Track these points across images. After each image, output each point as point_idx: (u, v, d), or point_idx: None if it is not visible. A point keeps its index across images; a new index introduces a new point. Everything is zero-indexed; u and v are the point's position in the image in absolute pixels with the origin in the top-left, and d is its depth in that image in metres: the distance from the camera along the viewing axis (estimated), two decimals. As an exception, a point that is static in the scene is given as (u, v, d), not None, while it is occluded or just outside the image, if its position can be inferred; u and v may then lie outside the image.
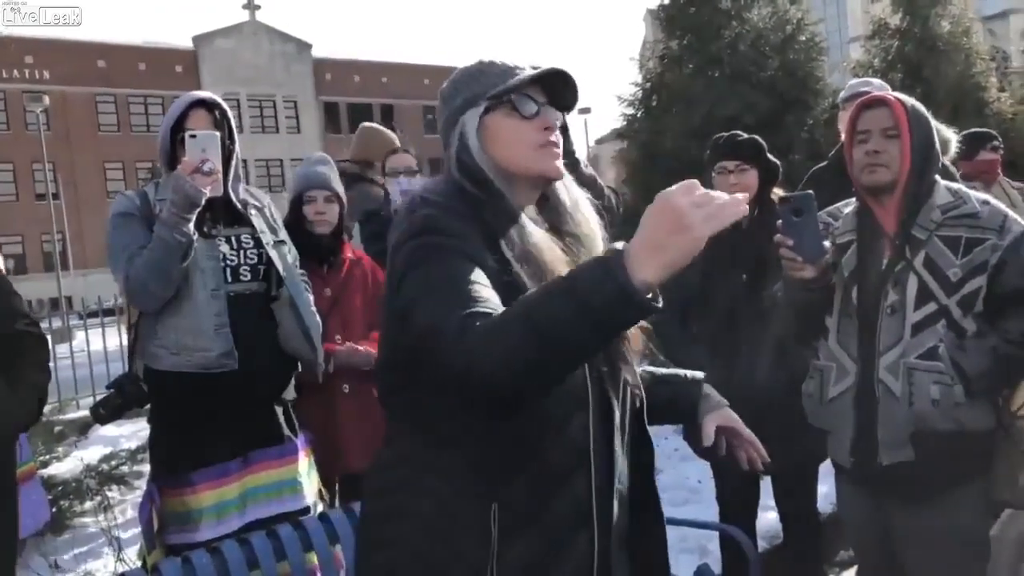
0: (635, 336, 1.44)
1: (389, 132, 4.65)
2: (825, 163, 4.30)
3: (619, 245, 1.14)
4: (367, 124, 4.76)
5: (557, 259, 1.37)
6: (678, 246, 1.09)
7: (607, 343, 1.22)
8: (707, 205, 1.09)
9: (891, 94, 2.18)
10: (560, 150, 1.45)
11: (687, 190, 1.10)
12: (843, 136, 2.24)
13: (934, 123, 2.22)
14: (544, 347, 1.12)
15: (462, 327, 1.17)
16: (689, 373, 1.69)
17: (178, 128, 2.49)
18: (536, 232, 1.40)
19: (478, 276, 1.25)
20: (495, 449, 1.32)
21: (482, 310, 1.19)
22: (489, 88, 1.43)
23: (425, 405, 1.35)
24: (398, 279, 1.32)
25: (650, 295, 1.11)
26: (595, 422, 1.37)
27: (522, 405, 1.23)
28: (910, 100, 2.17)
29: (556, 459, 1.34)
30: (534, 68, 1.45)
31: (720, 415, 1.62)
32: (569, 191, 1.51)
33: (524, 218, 1.41)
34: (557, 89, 1.46)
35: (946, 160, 3.70)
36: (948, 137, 4.21)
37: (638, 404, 1.50)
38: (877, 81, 4.18)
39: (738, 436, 1.63)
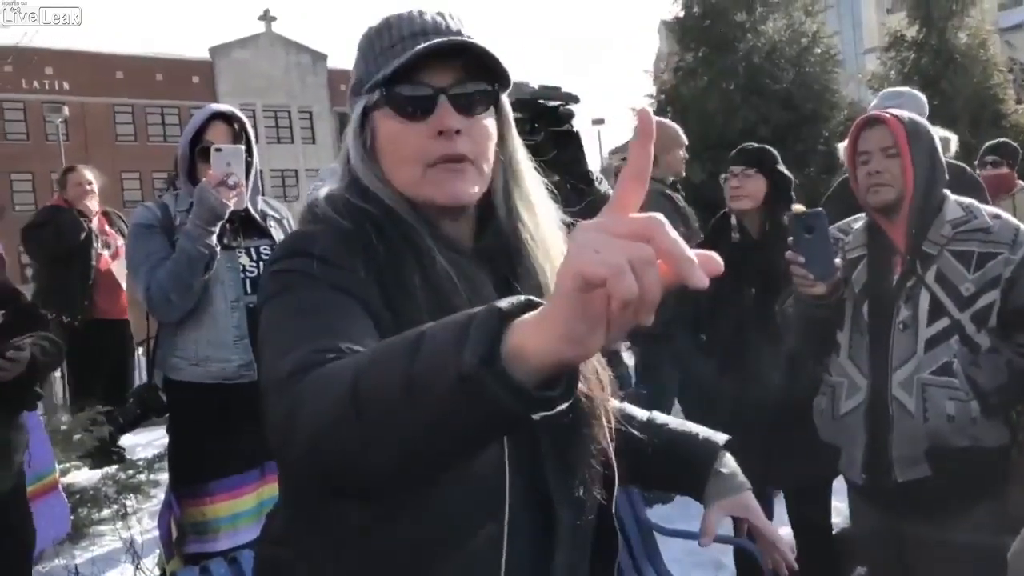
0: (608, 415, 1.06)
1: None
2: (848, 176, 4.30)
3: (519, 297, 0.71)
4: None
5: (466, 307, 0.81)
6: (556, 289, 0.64)
7: (466, 445, 0.76)
8: (609, 234, 0.63)
9: (889, 112, 2.18)
10: (474, 158, 1.02)
11: (604, 211, 0.67)
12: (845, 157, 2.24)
13: (937, 131, 2.22)
14: (365, 422, 0.74)
15: (295, 367, 0.83)
16: (704, 433, 1.29)
17: (197, 140, 2.53)
18: (444, 269, 0.99)
19: (348, 311, 0.91)
20: (368, 559, 0.96)
21: (335, 344, 0.84)
22: (374, 71, 1.03)
23: (302, 488, 1.00)
24: (259, 310, 0.99)
25: (540, 380, 0.67)
26: (513, 538, 0.95)
27: (361, 493, 0.85)
28: (908, 115, 2.16)
29: None
30: (423, 40, 1.00)
31: (733, 503, 1.24)
32: (515, 205, 1.08)
33: (432, 248, 1.00)
34: (475, 62, 1.02)
35: (951, 159, 3.69)
36: (947, 136, 4.18)
37: (602, 499, 1.09)
38: (907, 90, 4.12)
39: (756, 532, 1.26)
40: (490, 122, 1.05)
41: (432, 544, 0.94)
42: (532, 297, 0.71)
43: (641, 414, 1.29)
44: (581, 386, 0.91)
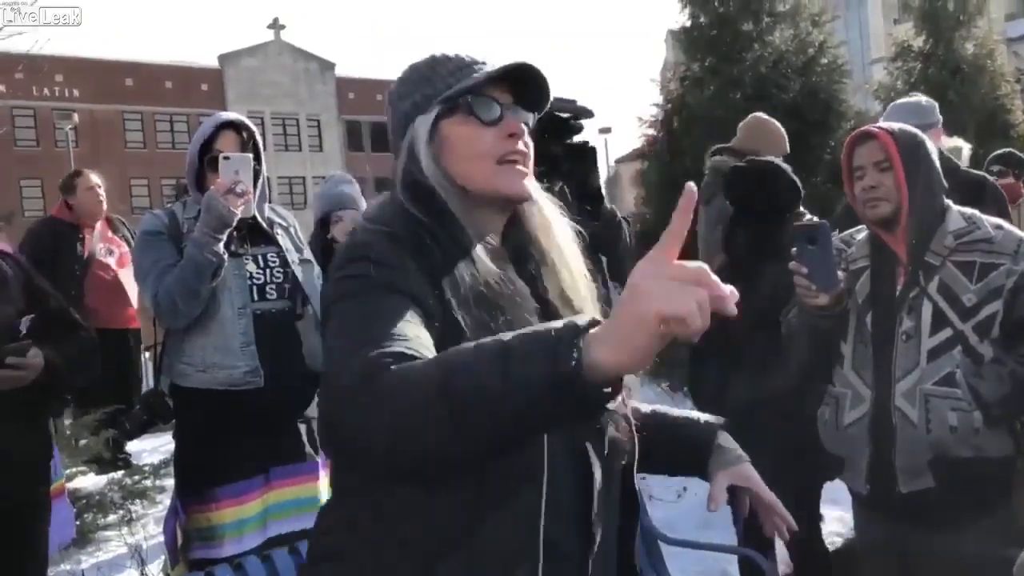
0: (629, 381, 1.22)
1: None
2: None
3: (585, 317, 0.90)
4: None
5: (512, 305, 1.14)
6: (630, 319, 0.83)
7: (541, 428, 0.96)
8: (672, 279, 0.83)
9: (879, 126, 2.18)
10: (528, 165, 1.23)
11: (654, 258, 0.85)
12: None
13: (942, 142, 2.22)
14: (457, 420, 0.88)
15: (367, 370, 0.94)
16: (704, 417, 1.43)
17: (206, 149, 2.54)
18: (491, 269, 1.15)
19: (406, 312, 1.03)
20: (424, 527, 1.09)
21: (399, 349, 0.96)
22: (443, 88, 1.21)
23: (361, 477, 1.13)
24: (324, 316, 1.13)
25: (606, 384, 0.86)
26: (555, 492, 1.09)
27: (422, 483, 1.02)
28: (899, 127, 2.17)
29: (494, 544, 1.08)
30: (497, 62, 1.22)
31: (734, 473, 1.35)
32: (542, 213, 1.27)
33: (479, 250, 1.16)
34: (525, 87, 1.23)
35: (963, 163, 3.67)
36: (958, 145, 4.15)
37: (624, 463, 1.25)
38: (924, 98, 4.09)
39: (757, 499, 1.37)
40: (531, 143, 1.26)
41: (481, 503, 1.07)
42: (596, 317, 0.89)
43: (645, 407, 1.42)
44: None
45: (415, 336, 1.00)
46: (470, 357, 0.90)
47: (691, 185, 0.88)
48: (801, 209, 3.01)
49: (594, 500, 1.17)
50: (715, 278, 0.84)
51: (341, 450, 1.01)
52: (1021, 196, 4.85)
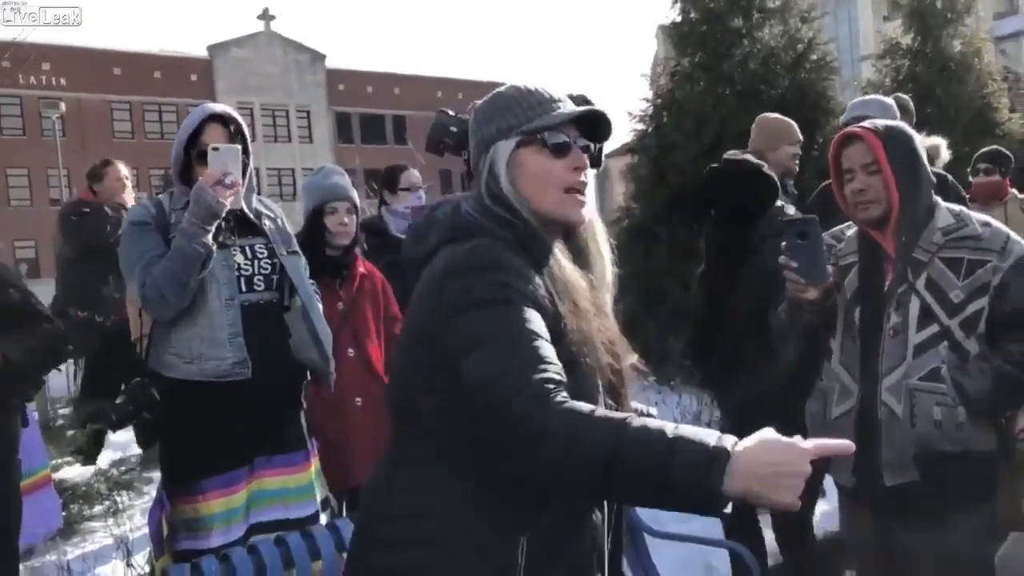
0: (629, 377, 1.47)
1: None
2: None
3: (732, 444, 1.12)
4: None
5: (587, 296, 1.38)
6: (777, 482, 1.09)
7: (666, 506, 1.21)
8: (804, 476, 1.11)
9: (867, 125, 2.16)
10: (586, 195, 1.44)
11: (806, 455, 1.12)
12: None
13: (926, 140, 2.22)
14: (613, 482, 1.15)
15: (540, 394, 1.17)
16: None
17: (192, 142, 2.53)
18: (569, 266, 1.40)
19: (542, 328, 1.25)
20: (525, 487, 1.29)
21: (555, 376, 1.20)
22: (524, 121, 1.41)
23: (457, 431, 1.31)
24: (452, 310, 1.28)
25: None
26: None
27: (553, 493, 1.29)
28: (883, 125, 2.16)
29: (578, 548, 1.37)
30: (570, 102, 1.44)
31: None
32: (595, 236, 1.49)
33: (557, 250, 1.40)
34: (589, 123, 1.45)
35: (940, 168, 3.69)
36: (936, 144, 4.16)
37: None
38: (876, 100, 4.12)
39: None
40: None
41: (569, 520, 1.36)
42: (736, 443, 1.12)
43: (639, 407, 1.65)
44: (620, 361, 1.43)
45: (554, 360, 1.23)
46: (639, 439, 1.13)
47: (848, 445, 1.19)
48: (780, 204, 3.01)
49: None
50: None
51: (519, 451, 1.19)
52: (1008, 193, 4.88)
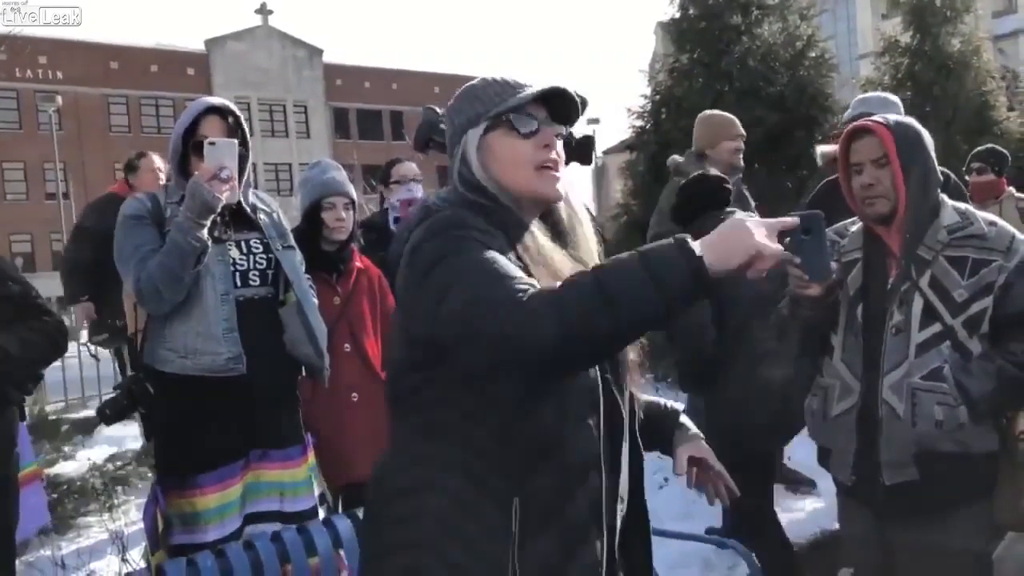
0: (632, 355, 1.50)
1: None
2: (835, 176, 4.29)
3: (681, 235, 1.22)
4: None
5: (567, 267, 1.40)
6: (735, 240, 1.22)
7: (667, 319, 1.25)
8: (764, 236, 1.24)
9: (877, 119, 2.15)
10: (560, 171, 1.46)
11: (758, 220, 1.26)
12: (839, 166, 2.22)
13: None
14: (613, 313, 1.18)
15: (516, 292, 1.22)
16: (669, 403, 1.74)
17: (190, 133, 2.51)
18: (546, 240, 1.44)
19: (508, 263, 1.29)
20: (516, 446, 1.35)
21: (528, 283, 1.24)
22: (490, 107, 1.44)
23: (445, 403, 1.37)
24: (422, 274, 1.33)
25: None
26: (603, 424, 1.42)
27: (564, 373, 1.30)
28: (896, 121, 2.14)
29: (573, 457, 1.38)
30: (536, 85, 1.45)
31: (693, 446, 1.66)
32: (572, 212, 1.52)
33: (533, 226, 1.45)
34: (559, 104, 1.47)
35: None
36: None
37: (634, 414, 1.54)
38: (876, 96, 4.12)
39: (709, 468, 1.66)
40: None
41: (561, 428, 1.37)
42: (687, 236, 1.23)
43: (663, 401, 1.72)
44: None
45: (524, 277, 1.27)
46: (611, 266, 1.22)
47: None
48: (729, 209, 3.11)
49: (623, 436, 1.47)
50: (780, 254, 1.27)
51: (504, 362, 1.24)
52: (1003, 192, 4.88)
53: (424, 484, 1.39)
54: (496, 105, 1.44)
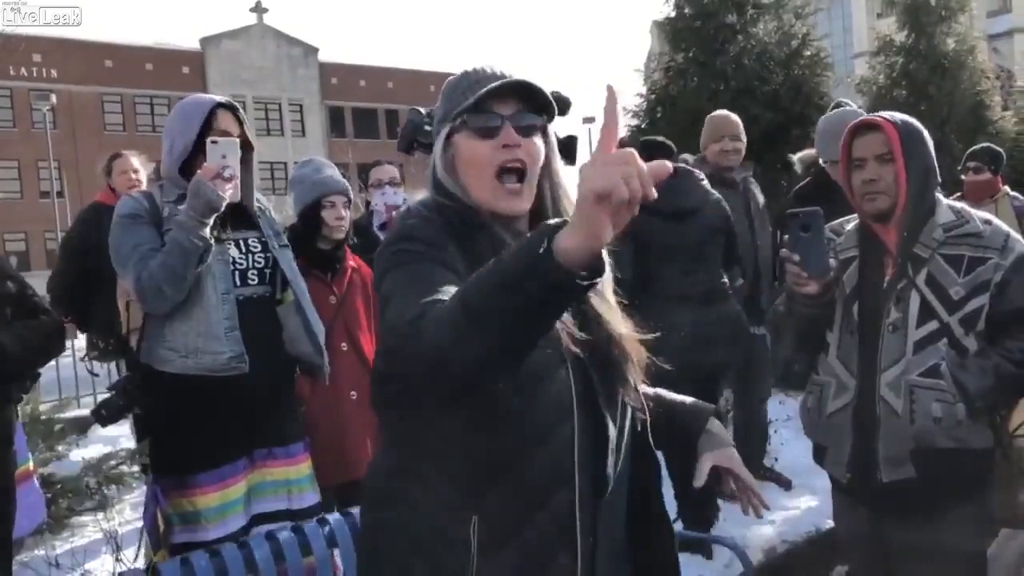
0: (639, 358, 1.40)
1: None
2: (807, 180, 4.33)
3: (557, 220, 1.07)
4: None
5: None
6: (578, 205, 1.01)
7: (537, 317, 1.10)
8: (601, 163, 0.99)
9: (884, 116, 2.16)
10: (531, 171, 1.37)
11: (592, 158, 1.02)
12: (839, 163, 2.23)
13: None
14: (472, 321, 1.07)
15: (419, 313, 1.16)
16: (697, 403, 1.60)
17: (205, 130, 2.47)
18: (506, 241, 1.34)
19: (446, 276, 1.24)
20: (473, 461, 1.30)
21: (443, 299, 1.17)
22: (456, 105, 1.37)
23: (411, 415, 1.34)
24: (376, 288, 1.34)
25: (582, 268, 1.03)
26: (581, 438, 1.32)
27: (472, 389, 1.17)
28: (901, 119, 2.15)
29: (536, 473, 1.30)
30: (502, 79, 1.37)
31: (720, 455, 1.51)
32: (559, 199, 1.43)
33: (499, 232, 1.36)
34: (535, 96, 1.38)
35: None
36: (810, 152, 4.25)
37: (639, 425, 1.46)
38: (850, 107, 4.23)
39: (737, 480, 1.52)
40: (540, 144, 1.40)
41: (520, 443, 1.29)
42: (566, 219, 1.04)
43: (649, 390, 1.56)
44: (616, 342, 1.36)
45: (451, 292, 1.18)
46: (475, 276, 1.11)
47: (611, 87, 1.03)
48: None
49: (608, 455, 1.36)
50: (637, 158, 0.98)
51: (405, 384, 1.23)
52: (999, 191, 4.89)
53: (392, 495, 1.38)
54: (459, 103, 1.37)
